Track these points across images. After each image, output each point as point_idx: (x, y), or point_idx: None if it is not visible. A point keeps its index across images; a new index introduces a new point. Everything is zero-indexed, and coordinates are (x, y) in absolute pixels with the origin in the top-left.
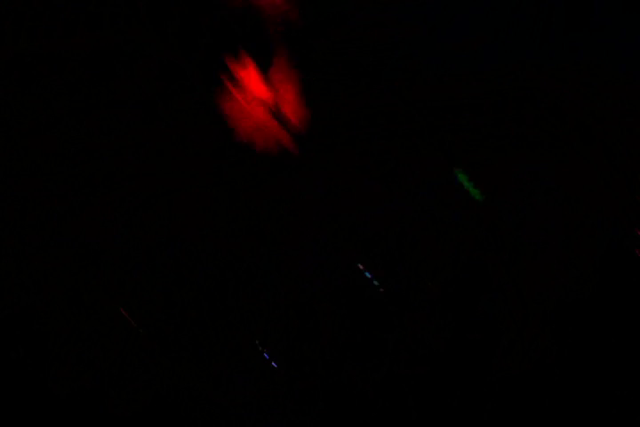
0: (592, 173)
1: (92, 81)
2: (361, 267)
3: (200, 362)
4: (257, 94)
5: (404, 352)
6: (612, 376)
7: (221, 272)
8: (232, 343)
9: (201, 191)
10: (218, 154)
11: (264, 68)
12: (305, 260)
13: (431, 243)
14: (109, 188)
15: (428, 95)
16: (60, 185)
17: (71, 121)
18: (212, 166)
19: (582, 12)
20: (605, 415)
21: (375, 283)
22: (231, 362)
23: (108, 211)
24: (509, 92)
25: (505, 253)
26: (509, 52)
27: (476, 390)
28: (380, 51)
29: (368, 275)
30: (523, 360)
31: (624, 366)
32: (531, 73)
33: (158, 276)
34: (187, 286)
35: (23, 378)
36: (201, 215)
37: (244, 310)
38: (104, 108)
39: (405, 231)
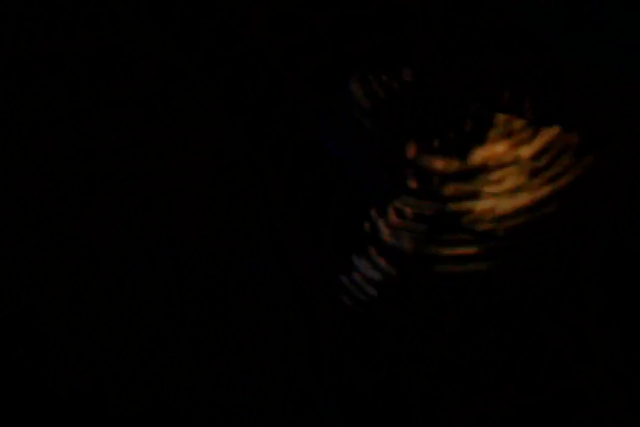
0: (592, 173)
1: (92, 81)
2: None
3: (200, 362)
4: None
5: (405, 352)
6: None
7: (221, 272)
8: (232, 343)
9: (201, 191)
10: (218, 154)
11: None
12: (305, 260)
13: None
14: (109, 188)
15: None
16: (60, 185)
17: (71, 121)
18: (212, 166)
19: (582, 11)
20: None
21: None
22: (231, 362)
23: (107, 211)
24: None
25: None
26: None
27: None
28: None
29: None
30: None
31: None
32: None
33: (158, 276)
34: (187, 286)
35: (23, 378)
36: (201, 215)
37: (244, 310)
38: (104, 108)
39: None
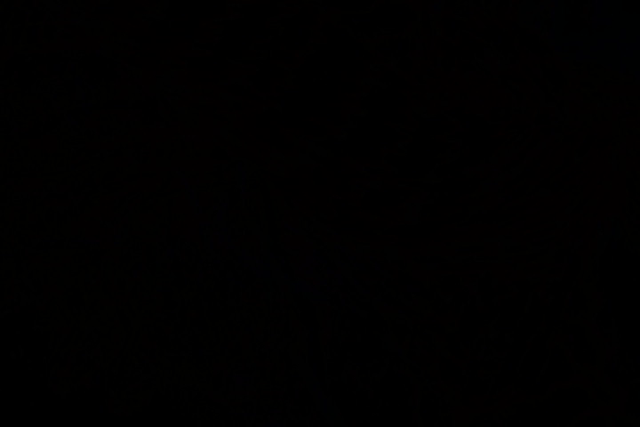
0: (592, 173)
1: (91, 81)
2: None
3: (200, 362)
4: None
5: (404, 352)
6: None
7: (221, 272)
8: (232, 343)
9: (201, 191)
10: (218, 154)
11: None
12: (305, 260)
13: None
14: (109, 188)
15: (428, 95)
16: (60, 185)
17: (71, 121)
18: (211, 166)
19: (582, 11)
20: None
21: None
22: (231, 362)
23: (107, 211)
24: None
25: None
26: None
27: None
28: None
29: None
30: None
31: None
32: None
33: (158, 276)
34: (187, 286)
35: (23, 378)
36: (201, 215)
37: (244, 310)
38: (104, 108)
39: None
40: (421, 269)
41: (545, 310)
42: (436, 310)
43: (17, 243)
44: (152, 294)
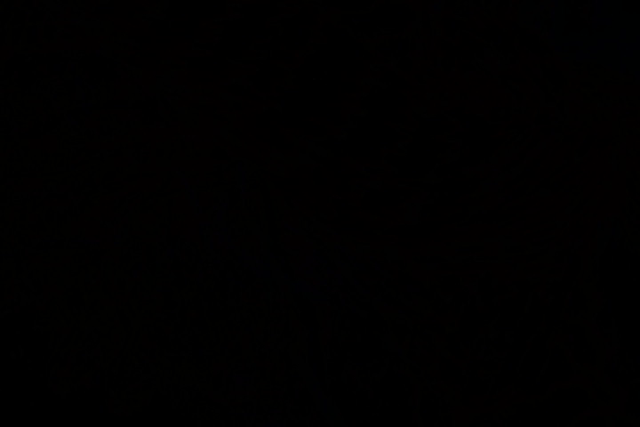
0: (592, 173)
1: (91, 81)
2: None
3: (200, 362)
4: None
5: (404, 352)
6: None
7: (221, 272)
8: (232, 343)
9: (201, 191)
10: (218, 154)
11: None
12: (305, 260)
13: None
14: (109, 188)
15: (428, 95)
16: (60, 185)
17: (71, 121)
18: (211, 166)
19: (582, 11)
20: None
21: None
22: (231, 362)
23: (107, 211)
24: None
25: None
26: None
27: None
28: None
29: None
30: None
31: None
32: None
33: (158, 276)
34: (187, 286)
35: (23, 378)
36: (201, 215)
37: (244, 310)
38: (104, 108)
39: None
40: (421, 269)
41: (545, 310)
42: (436, 310)
43: (17, 243)
44: (152, 294)
